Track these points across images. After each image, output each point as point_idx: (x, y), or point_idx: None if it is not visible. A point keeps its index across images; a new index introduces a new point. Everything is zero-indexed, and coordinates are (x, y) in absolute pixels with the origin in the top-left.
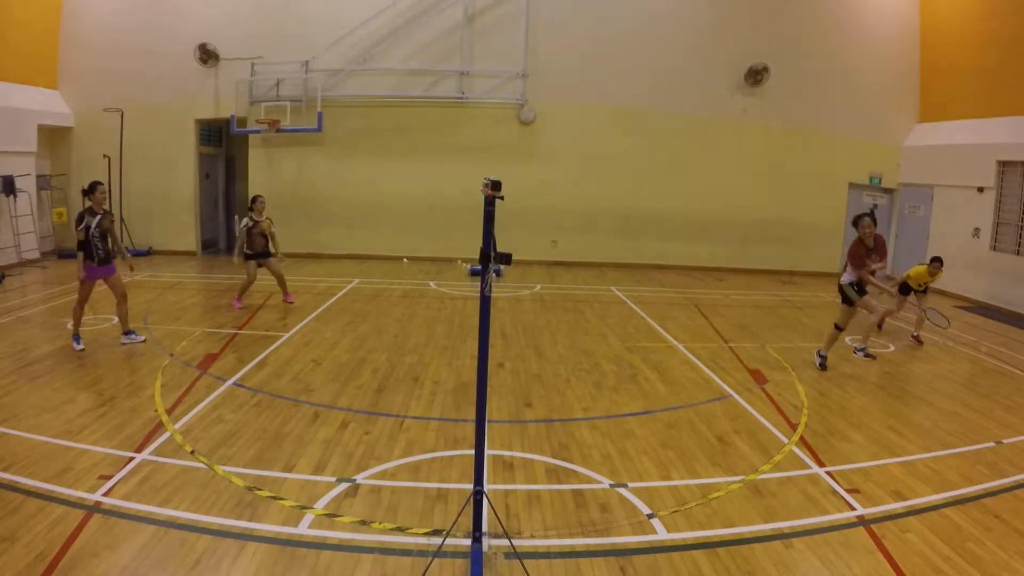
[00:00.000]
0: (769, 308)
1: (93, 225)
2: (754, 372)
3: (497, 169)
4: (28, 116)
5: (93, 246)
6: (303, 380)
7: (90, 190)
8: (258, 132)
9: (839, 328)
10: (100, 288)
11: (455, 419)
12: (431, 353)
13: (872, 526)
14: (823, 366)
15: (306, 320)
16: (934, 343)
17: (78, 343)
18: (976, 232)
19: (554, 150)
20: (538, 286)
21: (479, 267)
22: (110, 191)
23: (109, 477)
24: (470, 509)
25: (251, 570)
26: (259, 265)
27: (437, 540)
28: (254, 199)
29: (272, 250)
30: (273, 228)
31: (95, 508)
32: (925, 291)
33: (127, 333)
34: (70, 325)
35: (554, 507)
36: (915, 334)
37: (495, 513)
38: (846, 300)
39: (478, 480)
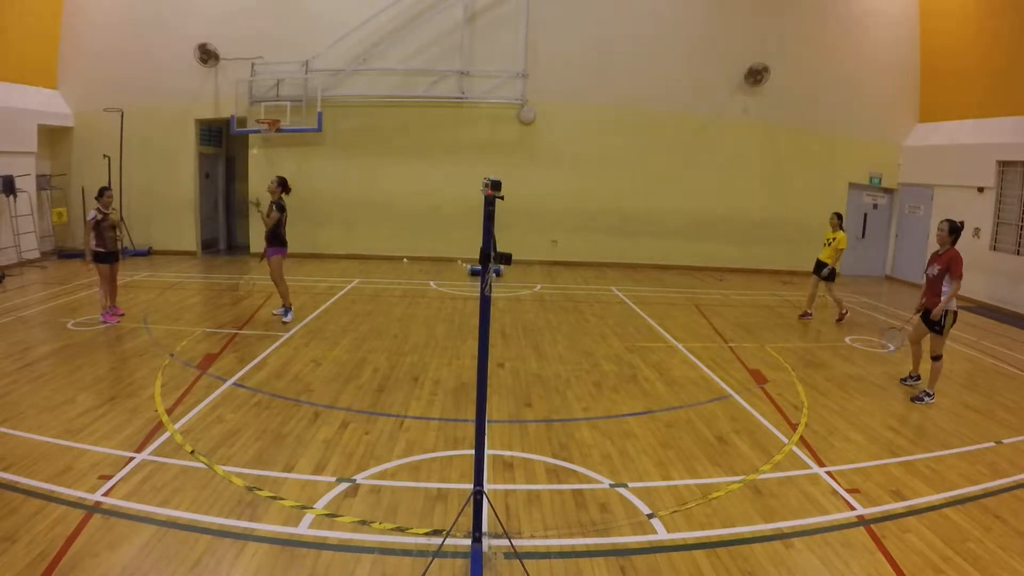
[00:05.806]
0: (769, 308)
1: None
2: (754, 372)
3: (497, 169)
4: (28, 116)
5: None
6: (303, 380)
7: (282, 183)
8: (258, 132)
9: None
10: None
11: (455, 419)
12: (431, 353)
13: (872, 526)
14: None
15: (306, 320)
16: None
17: (287, 315)
18: (976, 232)
19: (554, 150)
20: (538, 286)
21: (479, 267)
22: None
23: (109, 477)
24: (470, 509)
25: (251, 570)
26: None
27: (437, 540)
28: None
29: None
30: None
31: (95, 508)
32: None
33: (284, 307)
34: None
35: (554, 507)
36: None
37: (495, 513)
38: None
39: (478, 480)
